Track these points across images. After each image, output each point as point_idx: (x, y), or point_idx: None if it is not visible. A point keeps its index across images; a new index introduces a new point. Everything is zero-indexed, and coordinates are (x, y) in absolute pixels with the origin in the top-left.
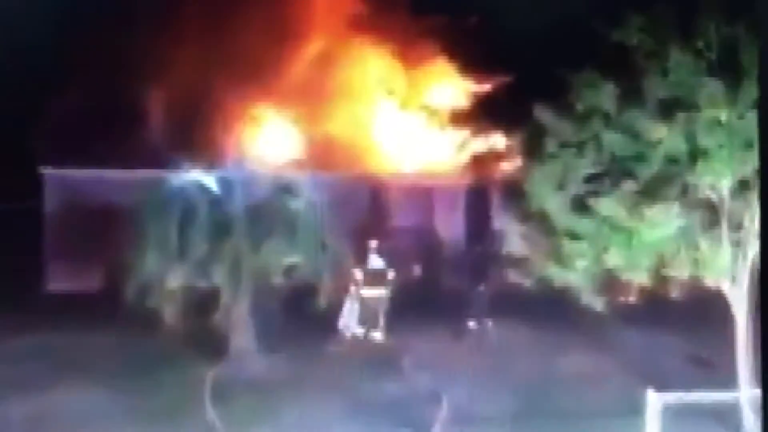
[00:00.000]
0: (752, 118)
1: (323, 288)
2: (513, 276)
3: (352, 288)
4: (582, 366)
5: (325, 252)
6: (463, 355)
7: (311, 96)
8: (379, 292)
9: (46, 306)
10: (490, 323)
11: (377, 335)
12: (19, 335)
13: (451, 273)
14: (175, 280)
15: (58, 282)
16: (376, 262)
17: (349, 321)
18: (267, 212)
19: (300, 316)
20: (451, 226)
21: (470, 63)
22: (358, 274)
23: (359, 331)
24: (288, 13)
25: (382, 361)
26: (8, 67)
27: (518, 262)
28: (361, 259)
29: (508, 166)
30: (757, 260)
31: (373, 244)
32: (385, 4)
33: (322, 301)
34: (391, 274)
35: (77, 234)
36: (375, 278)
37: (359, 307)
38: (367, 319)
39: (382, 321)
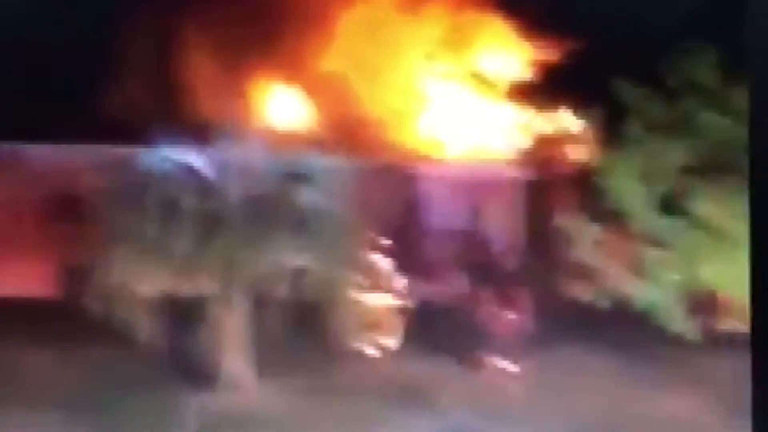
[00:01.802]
0: None
1: (339, 299)
2: (581, 292)
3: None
4: (669, 410)
5: (341, 256)
6: (512, 389)
7: (330, 60)
8: (383, 299)
9: None
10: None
11: (387, 346)
12: None
13: (497, 285)
14: (151, 285)
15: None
16: (383, 263)
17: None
18: (270, 204)
19: (309, 334)
20: (504, 228)
21: (536, 23)
22: (361, 276)
23: (363, 346)
24: None
25: (409, 393)
26: None
27: (589, 275)
28: (370, 260)
29: (580, 154)
30: None
31: (387, 242)
32: None
33: (339, 316)
34: (403, 281)
35: (26, 225)
36: (380, 282)
37: (359, 317)
38: (375, 330)
39: (394, 333)
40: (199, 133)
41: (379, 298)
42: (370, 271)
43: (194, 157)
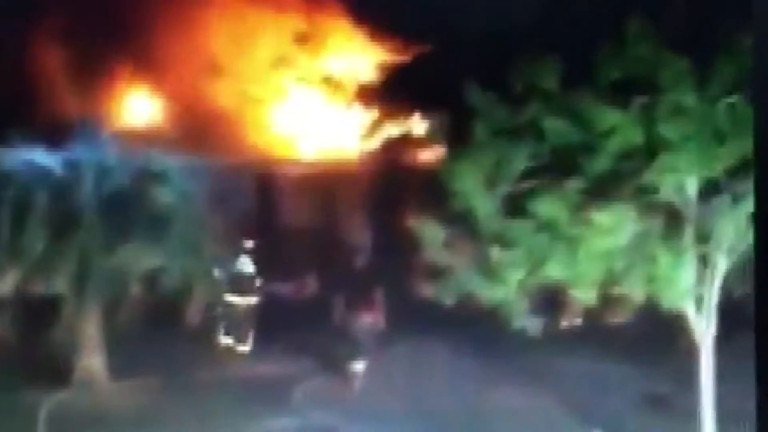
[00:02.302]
0: (726, 104)
1: (194, 299)
2: (429, 291)
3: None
4: (513, 403)
5: (197, 255)
6: (365, 387)
7: (187, 62)
8: (245, 300)
9: None
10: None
11: (243, 349)
12: None
13: (350, 285)
14: (4, 285)
15: None
16: (245, 265)
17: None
18: (126, 203)
19: (164, 333)
20: (353, 227)
21: (384, 28)
22: (222, 276)
23: (227, 341)
24: None
25: (265, 391)
26: None
27: (436, 275)
28: (229, 260)
29: (427, 156)
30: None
31: (248, 244)
32: None
33: (193, 315)
34: (258, 280)
35: None
36: (242, 284)
37: (224, 316)
38: (232, 330)
39: (249, 334)
40: (52, 132)
41: (234, 297)
42: (226, 270)
43: (47, 157)
